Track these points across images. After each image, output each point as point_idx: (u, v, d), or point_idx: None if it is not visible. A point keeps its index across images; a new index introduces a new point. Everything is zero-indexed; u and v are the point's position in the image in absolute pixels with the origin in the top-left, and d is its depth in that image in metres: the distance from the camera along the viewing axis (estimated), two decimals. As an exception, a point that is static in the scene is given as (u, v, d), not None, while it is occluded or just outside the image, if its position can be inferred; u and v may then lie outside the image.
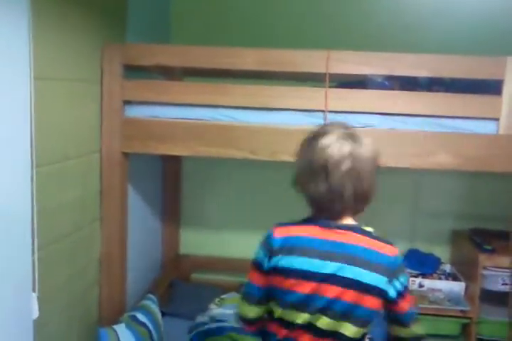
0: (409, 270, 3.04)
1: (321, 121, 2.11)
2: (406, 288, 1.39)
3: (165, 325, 2.56)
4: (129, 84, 2.18)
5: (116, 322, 2.21)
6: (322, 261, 1.32)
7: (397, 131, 2.13)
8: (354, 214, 1.40)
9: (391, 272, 1.34)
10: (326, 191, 1.32)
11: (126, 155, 2.26)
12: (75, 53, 1.97)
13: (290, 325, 1.36)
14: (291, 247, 1.35)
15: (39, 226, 1.75)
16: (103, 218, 2.27)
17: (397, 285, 1.36)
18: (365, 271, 1.31)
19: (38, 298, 1.73)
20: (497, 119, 2.08)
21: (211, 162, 2.14)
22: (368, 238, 1.38)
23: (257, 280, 1.45)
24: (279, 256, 1.36)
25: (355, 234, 1.37)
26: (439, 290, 2.89)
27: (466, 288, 2.88)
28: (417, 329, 1.45)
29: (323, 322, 1.33)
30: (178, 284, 3.13)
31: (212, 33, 3.07)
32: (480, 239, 2.84)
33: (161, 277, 3.08)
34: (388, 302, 1.36)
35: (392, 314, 1.41)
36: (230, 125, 2.16)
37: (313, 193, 1.35)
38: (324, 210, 1.36)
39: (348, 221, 1.40)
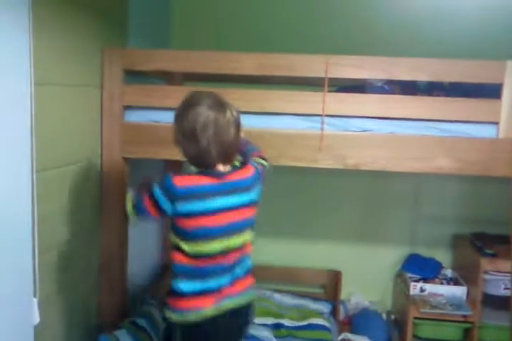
0: (410, 274, 3.04)
1: (319, 126, 2.12)
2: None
3: (165, 330, 2.56)
4: (129, 89, 2.19)
5: (117, 327, 2.21)
6: (218, 198, 1.60)
7: (397, 135, 2.13)
8: (225, 163, 1.65)
9: (258, 181, 1.74)
10: (197, 151, 1.59)
11: (126, 160, 2.27)
12: (76, 58, 1.98)
13: (202, 256, 1.62)
14: (192, 194, 1.58)
15: (39, 231, 1.76)
16: (103, 223, 2.27)
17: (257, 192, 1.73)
18: (246, 194, 1.66)
19: (39, 304, 1.73)
20: (497, 123, 2.08)
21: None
22: (240, 171, 1.69)
23: (153, 212, 1.65)
24: (183, 202, 1.57)
25: (233, 173, 1.67)
26: (441, 295, 2.89)
27: (468, 292, 2.87)
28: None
29: (234, 242, 1.65)
30: (179, 289, 3.12)
31: (212, 38, 3.09)
32: (481, 244, 2.84)
33: (161, 282, 3.08)
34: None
35: None
36: (229, 130, 2.16)
37: (188, 153, 1.62)
38: (201, 165, 1.63)
39: (225, 167, 1.67)
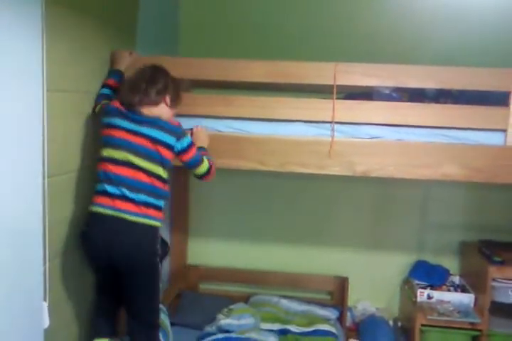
0: (417, 281, 3.03)
1: (329, 133, 2.13)
2: (188, 146, 2.00)
3: (173, 335, 2.57)
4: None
5: (126, 332, 2.22)
6: (134, 124, 1.93)
7: (405, 142, 2.14)
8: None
9: (175, 134, 1.96)
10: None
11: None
12: (85, 65, 2.01)
13: (120, 163, 1.91)
14: (116, 113, 1.94)
15: (51, 236, 1.77)
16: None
17: (180, 145, 1.97)
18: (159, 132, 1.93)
19: (49, 307, 1.75)
20: (504, 131, 2.08)
21: (219, 173, 2.15)
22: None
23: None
24: (110, 117, 1.95)
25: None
26: (448, 302, 2.87)
27: (476, 300, 2.85)
28: (199, 170, 2.09)
29: (135, 159, 1.90)
30: (187, 294, 3.14)
31: (221, 46, 3.10)
32: (489, 251, 2.83)
33: (169, 287, 3.09)
34: (176, 154, 1.99)
35: (182, 163, 2.06)
36: (238, 136, 2.18)
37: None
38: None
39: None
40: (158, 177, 1.95)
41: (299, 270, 3.28)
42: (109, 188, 1.90)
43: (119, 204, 1.89)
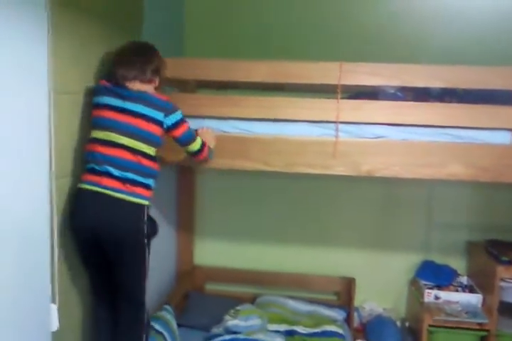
0: (424, 282, 3.02)
1: (333, 133, 2.13)
2: (177, 122, 1.98)
3: (180, 336, 2.57)
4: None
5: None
6: (121, 100, 1.92)
7: (410, 141, 2.13)
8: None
9: (164, 110, 1.94)
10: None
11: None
12: (91, 67, 2.02)
13: (105, 142, 1.89)
14: (104, 90, 1.94)
15: (59, 238, 1.78)
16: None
17: (169, 120, 1.96)
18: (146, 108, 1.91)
19: (58, 310, 1.75)
20: (510, 129, 2.07)
21: (224, 173, 2.16)
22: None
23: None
24: (98, 97, 1.94)
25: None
26: (456, 303, 2.86)
27: (484, 300, 2.84)
28: (192, 146, 2.07)
29: (121, 138, 1.88)
30: (193, 295, 3.14)
31: (225, 46, 3.11)
32: (497, 251, 2.81)
33: (176, 288, 3.10)
34: (166, 130, 1.97)
35: (173, 139, 2.03)
36: (243, 137, 2.19)
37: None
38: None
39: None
40: (145, 155, 1.92)
41: (306, 270, 3.27)
42: (97, 167, 1.88)
43: (106, 181, 1.86)
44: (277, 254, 3.31)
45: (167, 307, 2.65)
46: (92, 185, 1.87)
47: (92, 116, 1.95)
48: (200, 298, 3.14)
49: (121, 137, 1.88)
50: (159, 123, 1.93)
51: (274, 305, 3.04)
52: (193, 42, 3.17)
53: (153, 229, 2.01)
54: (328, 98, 2.16)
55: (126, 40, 2.09)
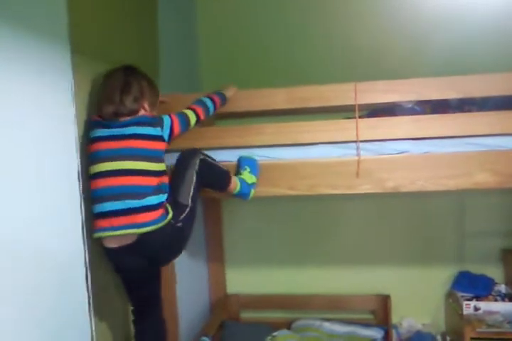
0: (461, 293, 2.97)
1: (354, 152, 2.14)
2: (171, 125, 1.99)
3: (220, 367, 2.55)
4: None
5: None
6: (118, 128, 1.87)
7: (433, 154, 2.12)
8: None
9: (157, 124, 1.94)
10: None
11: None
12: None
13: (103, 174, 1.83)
14: (97, 124, 1.90)
15: (92, 262, 1.82)
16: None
17: (166, 130, 1.97)
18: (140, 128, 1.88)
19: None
20: (533, 133, 2.06)
21: (250, 200, 2.17)
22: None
23: None
24: (92, 131, 1.89)
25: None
26: (497, 313, 2.80)
27: (525, 308, 2.78)
28: (192, 122, 2.06)
29: (127, 163, 1.82)
30: (229, 324, 3.12)
31: (242, 78, 3.13)
32: (532, 256, 2.77)
33: (211, 319, 3.08)
34: (169, 138, 1.98)
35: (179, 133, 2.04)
36: (265, 163, 2.19)
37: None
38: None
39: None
40: (148, 173, 1.85)
41: (339, 291, 3.24)
42: (100, 206, 1.80)
43: (122, 220, 1.79)
44: (309, 277, 3.29)
45: (205, 339, 2.64)
46: (104, 230, 1.80)
47: (89, 152, 1.88)
48: (236, 327, 3.11)
49: (129, 162, 1.82)
50: (159, 138, 1.92)
51: (310, 329, 3.01)
52: (209, 77, 3.26)
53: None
54: (348, 117, 2.17)
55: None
